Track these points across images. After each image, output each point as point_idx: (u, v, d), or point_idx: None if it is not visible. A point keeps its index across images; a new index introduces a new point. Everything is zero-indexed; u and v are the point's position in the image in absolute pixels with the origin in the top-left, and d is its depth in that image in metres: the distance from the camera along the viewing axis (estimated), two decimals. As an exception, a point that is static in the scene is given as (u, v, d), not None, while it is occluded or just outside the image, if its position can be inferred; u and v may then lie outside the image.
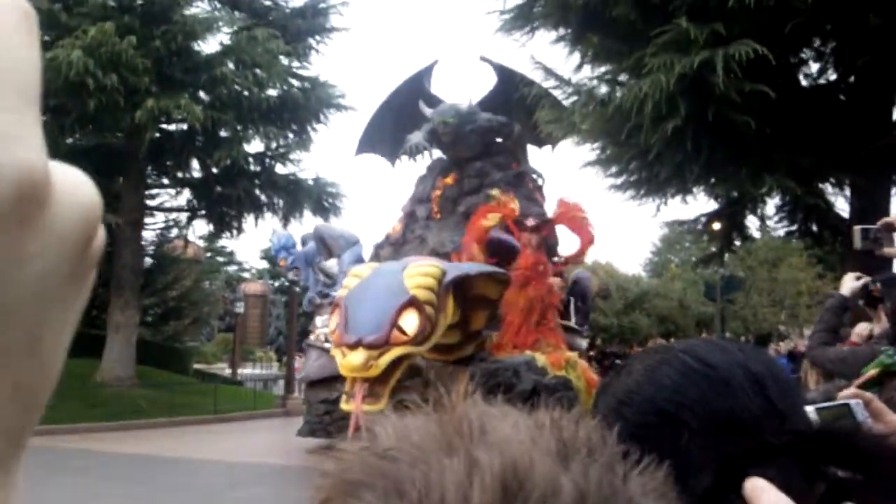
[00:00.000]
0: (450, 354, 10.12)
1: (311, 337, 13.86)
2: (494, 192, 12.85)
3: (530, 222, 12.60)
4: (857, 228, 2.42)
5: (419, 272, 8.34)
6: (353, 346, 7.83)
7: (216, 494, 9.93)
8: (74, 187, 0.35)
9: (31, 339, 0.33)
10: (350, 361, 7.78)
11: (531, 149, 16.51)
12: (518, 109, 14.91)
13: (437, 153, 15.57)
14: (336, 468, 0.52)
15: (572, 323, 14.09)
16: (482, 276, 8.98)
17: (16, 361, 0.33)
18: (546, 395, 6.49)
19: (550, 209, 14.61)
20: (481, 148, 14.93)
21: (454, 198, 14.74)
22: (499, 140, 15.49)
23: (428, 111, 14.62)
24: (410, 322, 8.03)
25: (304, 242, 16.21)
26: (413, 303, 8.01)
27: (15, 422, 0.33)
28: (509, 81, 15.52)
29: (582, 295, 16.23)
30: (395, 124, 16.09)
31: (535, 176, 15.77)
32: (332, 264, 14.13)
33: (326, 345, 11.61)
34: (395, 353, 7.91)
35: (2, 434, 0.33)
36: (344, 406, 9.11)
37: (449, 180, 14.93)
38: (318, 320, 12.46)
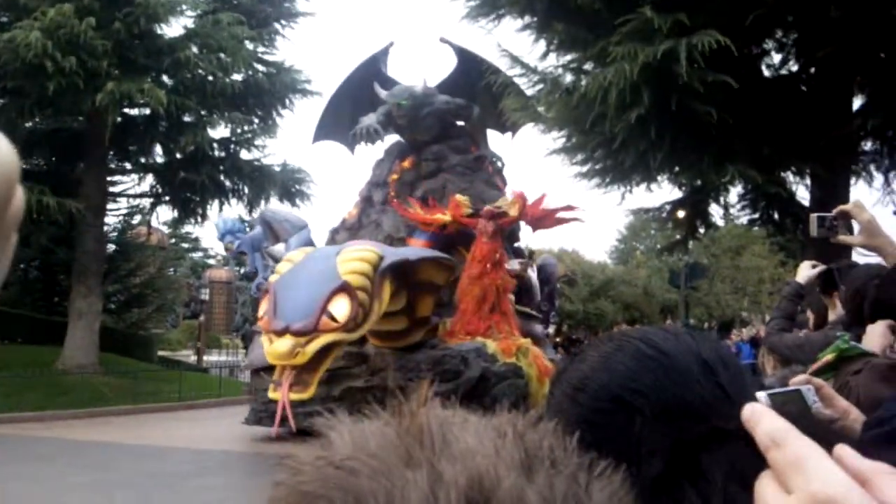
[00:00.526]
0: (397, 341, 10.01)
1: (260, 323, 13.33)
2: (460, 197, 12.94)
3: (486, 211, 12.48)
4: (813, 216, 2.52)
5: (354, 257, 8.12)
6: (281, 333, 7.61)
7: (182, 482, 9.88)
8: None
9: None
10: (276, 349, 7.59)
11: (494, 134, 16.27)
12: (481, 94, 14.65)
13: (396, 137, 15.29)
14: (291, 478, 0.50)
15: (532, 309, 14.04)
16: (426, 261, 8.83)
17: None
18: (494, 383, 8.66)
19: (510, 194, 14.45)
20: (439, 131, 14.65)
21: (411, 182, 14.47)
22: (458, 123, 15.21)
23: (383, 93, 14.32)
24: (341, 308, 7.78)
25: (252, 227, 15.99)
26: (345, 288, 7.77)
27: None
28: (470, 64, 15.27)
29: (548, 280, 16.17)
30: (353, 110, 15.73)
31: (494, 160, 15.52)
32: (279, 249, 13.63)
33: None
34: (323, 340, 7.69)
35: None
36: (271, 394, 8.75)
37: (406, 164, 14.65)
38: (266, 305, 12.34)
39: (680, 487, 0.71)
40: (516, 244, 15.28)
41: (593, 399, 0.83)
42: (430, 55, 20.90)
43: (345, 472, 0.47)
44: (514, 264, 13.45)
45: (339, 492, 0.46)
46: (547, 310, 16.11)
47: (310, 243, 12.37)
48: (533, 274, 15.21)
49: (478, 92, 14.74)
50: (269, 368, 12.41)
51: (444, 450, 0.47)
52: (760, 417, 0.55)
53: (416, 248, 10.29)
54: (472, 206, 13.04)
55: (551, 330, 30.31)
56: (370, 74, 15.61)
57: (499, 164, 15.56)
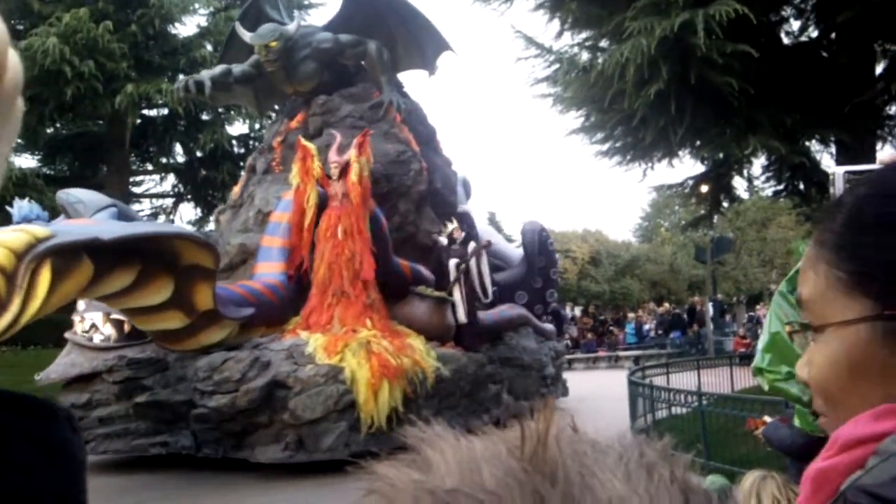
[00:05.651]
0: (184, 342, 8.16)
1: (77, 328, 9.94)
2: (306, 143, 10.42)
3: (333, 171, 10.14)
4: (840, 173, 2.31)
5: None
6: None
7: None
8: None
9: None
10: None
11: (417, 73, 13.50)
12: (390, 30, 12.26)
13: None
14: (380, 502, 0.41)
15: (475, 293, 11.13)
16: (179, 239, 7.21)
17: None
18: (297, 392, 7.12)
19: (425, 139, 12.43)
20: (330, 78, 12.10)
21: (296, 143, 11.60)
22: (347, 64, 12.36)
23: (246, 36, 11.67)
24: None
25: None
26: None
27: None
28: None
29: (539, 250, 13.82)
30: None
31: (401, 105, 12.14)
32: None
33: (94, 339, 9.30)
34: None
35: None
36: None
37: (294, 123, 11.99)
38: (81, 304, 9.55)
39: None
40: (462, 208, 12.66)
41: None
42: None
43: None
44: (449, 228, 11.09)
45: None
46: (541, 287, 13.55)
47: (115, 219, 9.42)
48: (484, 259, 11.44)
49: (384, 28, 12.24)
50: (78, 381, 9.71)
51: (585, 495, 0.38)
52: None
53: (136, 223, 7.94)
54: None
55: (575, 313, 30.27)
56: (254, 21, 12.50)
57: (403, 107, 12.18)
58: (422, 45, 12.38)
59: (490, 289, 11.15)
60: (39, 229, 6.47)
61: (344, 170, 9.98)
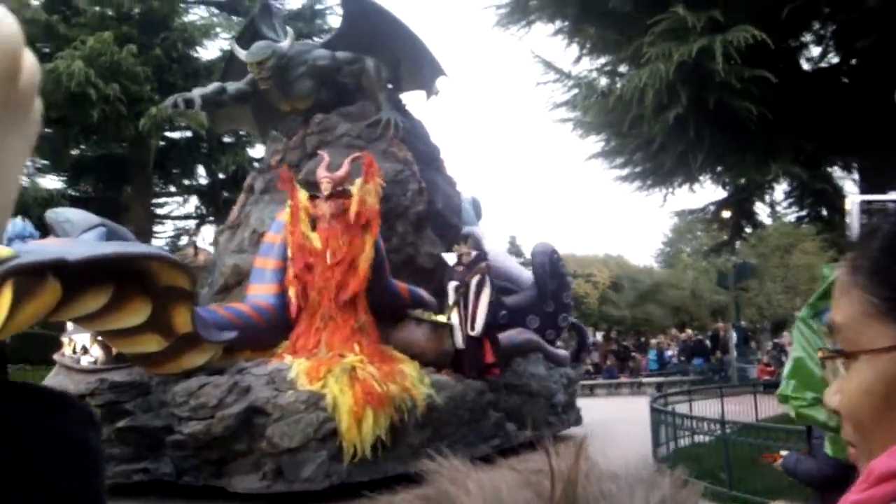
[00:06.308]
0: (163, 365, 7.91)
1: (67, 350, 9.81)
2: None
3: (325, 188, 9.82)
4: (855, 203, 2.19)
5: None
6: None
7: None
8: None
9: None
10: None
11: (416, 94, 13.09)
12: (390, 49, 11.99)
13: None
14: None
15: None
16: (151, 260, 7.02)
17: None
18: (277, 419, 6.76)
19: (427, 158, 12.15)
20: (327, 96, 11.91)
21: (296, 163, 11.45)
22: (346, 82, 12.11)
23: (241, 54, 11.49)
24: None
25: None
26: None
27: None
28: (364, 11, 11.98)
29: (550, 272, 13.25)
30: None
31: (398, 124, 11.75)
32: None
33: (82, 361, 9.28)
34: None
35: None
36: None
37: (293, 142, 11.91)
38: (69, 325, 9.34)
39: None
40: (469, 229, 12.27)
41: None
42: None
43: None
44: (451, 253, 10.74)
45: None
46: (553, 311, 13.05)
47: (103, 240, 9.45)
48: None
49: (386, 47, 11.94)
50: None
51: None
52: None
53: (112, 244, 7.79)
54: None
55: (596, 338, 30.07)
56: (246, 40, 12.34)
57: (400, 125, 11.79)
58: (420, 67, 12.17)
59: (481, 321, 10.24)
60: (2, 249, 6.18)
61: (337, 188, 9.75)
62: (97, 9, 17.86)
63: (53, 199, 17.22)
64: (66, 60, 16.12)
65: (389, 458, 8.20)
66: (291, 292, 9.52)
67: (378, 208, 9.82)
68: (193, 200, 22.74)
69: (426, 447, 8.56)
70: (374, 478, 7.83)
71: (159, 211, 22.76)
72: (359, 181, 9.74)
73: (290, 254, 9.71)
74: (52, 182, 20.01)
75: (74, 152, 19.69)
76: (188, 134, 19.94)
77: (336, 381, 8.19)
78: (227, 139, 19.66)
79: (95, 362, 8.91)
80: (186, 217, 23.29)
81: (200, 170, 21.57)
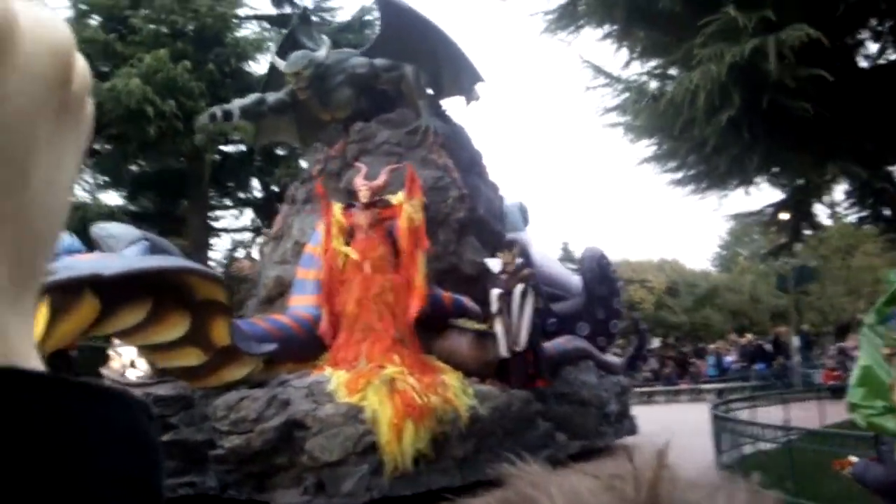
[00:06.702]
0: (204, 379, 7.96)
1: (114, 364, 9.86)
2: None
3: (363, 196, 9.78)
4: None
5: None
6: None
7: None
8: (44, 28, 0.39)
9: (20, 174, 0.37)
10: None
11: (457, 100, 12.89)
12: (430, 55, 11.79)
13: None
14: None
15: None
16: (186, 273, 7.04)
17: (8, 192, 0.36)
18: (316, 432, 6.40)
19: (468, 164, 11.98)
20: (368, 105, 11.89)
21: (337, 172, 11.36)
22: (386, 89, 12.10)
23: (280, 64, 11.62)
24: None
25: None
26: None
27: (16, 249, 0.37)
28: (407, 19, 11.71)
29: (599, 277, 12.94)
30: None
31: (438, 131, 11.69)
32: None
33: (130, 375, 9.37)
34: None
35: (3, 261, 0.37)
36: None
37: (334, 151, 11.70)
38: (116, 340, 9.32)
39: None
40: (515, 235, 12.19)
41: None
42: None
43: None
44: (493, 261, 10.52)
45: None
46: (604, 317, 12.78)
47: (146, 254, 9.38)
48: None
49: (425, 53, 11.78)
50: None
51: None
52: None
53: (149, 258, 7.78)
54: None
55: (657, 343, 29.64)
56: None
57: (440, 132, 11.70)
58: (459, 73, 12.04)
59: (525, 334, 9.95)
60: None
61: (374, 197, 9.71)
62: (152, 27, 18.25)
63: (115, 214, 17.63)
64: (123, 78, 16.48)
65: (432, 471, 8.05)
66: (323, 312, 9.39)
67: (424, 222, 9.72)
68: (249, 213, 23.08)
69: (470, 460, 8.43)
70: (416, 492, 7.71)
71: (216, 224, 23.13)
72: (401, 194, 9.64)
73: (322, 272, 9.62)
74: (113, 198, 20.52)
75: (133, 168, 20.13)
76: (242, 148, 20.26)
77: (375, 393, 8.01)
78: (280, 151, 19.92)
79: (144, 376, 8.95)
80: (243, 230, 23.59)
81: (255, 182, 21.89)
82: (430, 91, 12.29)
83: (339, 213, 9.78)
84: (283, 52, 12.29)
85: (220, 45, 18.03)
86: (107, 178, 20.06)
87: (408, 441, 7.76)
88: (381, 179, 9.88)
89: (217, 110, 11.82)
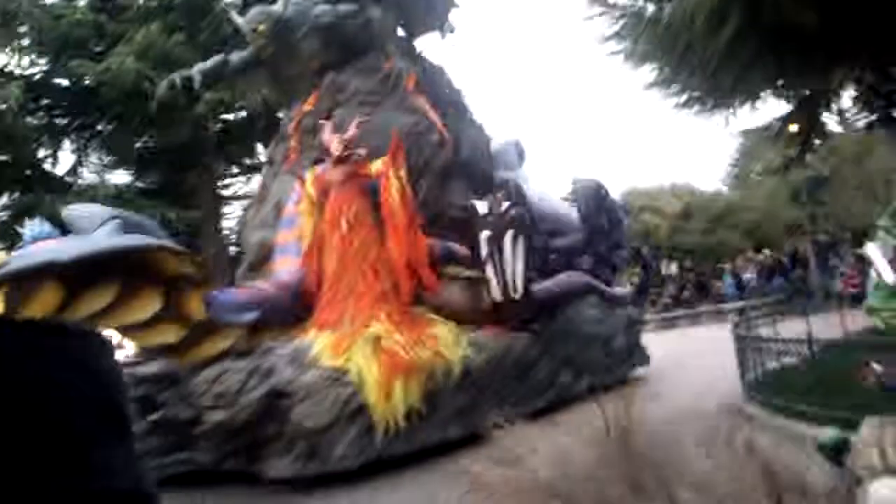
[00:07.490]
0: (184, 354, 7.64)
1: None
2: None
3: (335, 148, 9.35)
4: None
5: None
6: None
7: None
8: None
9: None
10: None
11: (433, 37, 12.52)
12: None
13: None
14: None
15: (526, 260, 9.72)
16: (151, 251, 6.74)
17: None
18: (301, 399, 5.83)
19: (449, 105, 11.47)
20: (337, 53, 11.04)
21: (311, 127, 10.66)
22: (354, 35, 11.23)
23: (239, 21, 11.09)
24: None
25: None
26: None
27: None
28: None
29: (599, 210, 12.47)
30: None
31: (407, 72, 11.13)
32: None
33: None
34: None
35: None
36: None
37: (307, 105, 10.97)
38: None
39: None
40: (507, 174, 11.77)
41: None
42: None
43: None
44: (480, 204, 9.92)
45: None
46: (606, 249, 12.41)
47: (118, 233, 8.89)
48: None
49: None
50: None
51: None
52: None
53: (110, 238, 7.38)
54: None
55: (671, 270, 29.63)
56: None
57: (412, 75, 11.14)
58: (429, 5, 11.42)
59: (520, 281, 9.42)
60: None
61: (347, 157, 9.32)
62: (142, 1, 18.12)
63: (122, 193, 17.73)
64: (119, 57, 16.37)
65: (427, 426, 7.78)
66: (307, 273, 9.11)
67: (410, 191, 9.36)
68: (256, 178, 23.11)
69: (467, 411, 8.12)
70: (412, 449, 7.50)
71: (226, 192, 23.19)
72: (381, 161, 9.30)
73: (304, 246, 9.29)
74: (121, 177, 20.58)
75: (138, 145, 20.15)
76: (243, 114, 20.21)
77: (360, 353, 7.71)
78: (280, 115, 19.87)
79: (130, 356, 8.74)
80: (251, 196, 23.68)
81: (260, 148, 21.88)
82: (401, 32, 11.72)
83: (311, 181, 9.44)
84: (245, 10, 11.82)
85: (210, 13, 17.85)
86: (114, 157, 20.09)
87: (398, 398, 7.50)
88: (351, 132, 9.50)
89: (176, 77, 11.44)
